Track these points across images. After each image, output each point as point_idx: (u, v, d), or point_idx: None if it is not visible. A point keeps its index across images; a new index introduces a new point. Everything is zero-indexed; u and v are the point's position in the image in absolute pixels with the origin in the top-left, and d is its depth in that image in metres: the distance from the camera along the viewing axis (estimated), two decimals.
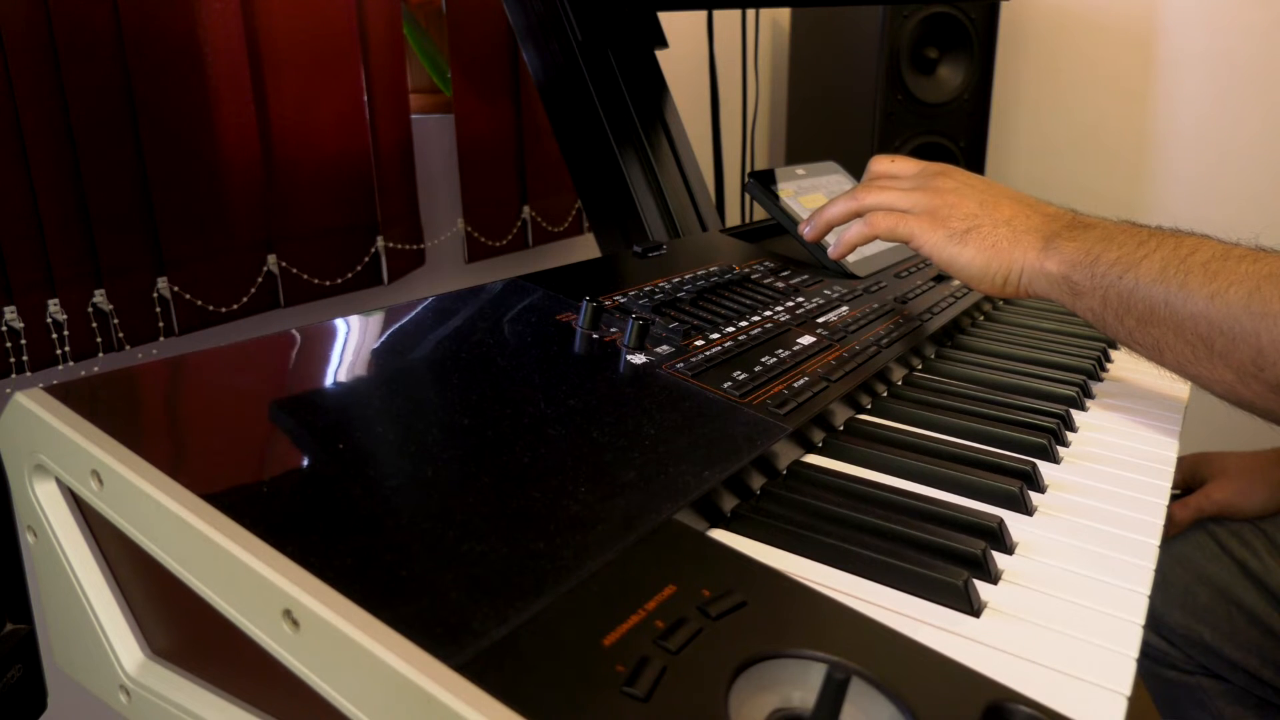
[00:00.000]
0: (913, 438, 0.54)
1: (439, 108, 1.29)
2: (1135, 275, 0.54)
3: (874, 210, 0.69)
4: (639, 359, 0.53)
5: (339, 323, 0.52)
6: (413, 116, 1.17)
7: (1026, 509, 0.47)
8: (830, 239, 0.76)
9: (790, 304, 0.67)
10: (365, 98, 1.06)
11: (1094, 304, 0.57)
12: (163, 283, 0.90)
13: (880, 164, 0.74)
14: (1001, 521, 0.44)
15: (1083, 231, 0.59)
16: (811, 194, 0.88)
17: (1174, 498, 0.88)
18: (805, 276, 0.75)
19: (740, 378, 0.53)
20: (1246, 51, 1.64)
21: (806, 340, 0.61)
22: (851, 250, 0.73)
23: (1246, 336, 0.49)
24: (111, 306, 0.86)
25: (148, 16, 0.85)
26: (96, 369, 0.86)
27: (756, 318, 0.63)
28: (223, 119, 0.92)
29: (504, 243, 1.31)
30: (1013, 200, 0.65)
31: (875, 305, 0.72)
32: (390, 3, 1.10)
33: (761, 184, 0.84)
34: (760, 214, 0.90)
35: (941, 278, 0.84)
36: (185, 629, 0.40)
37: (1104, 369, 0.73)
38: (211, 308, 0.94)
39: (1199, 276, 0.51)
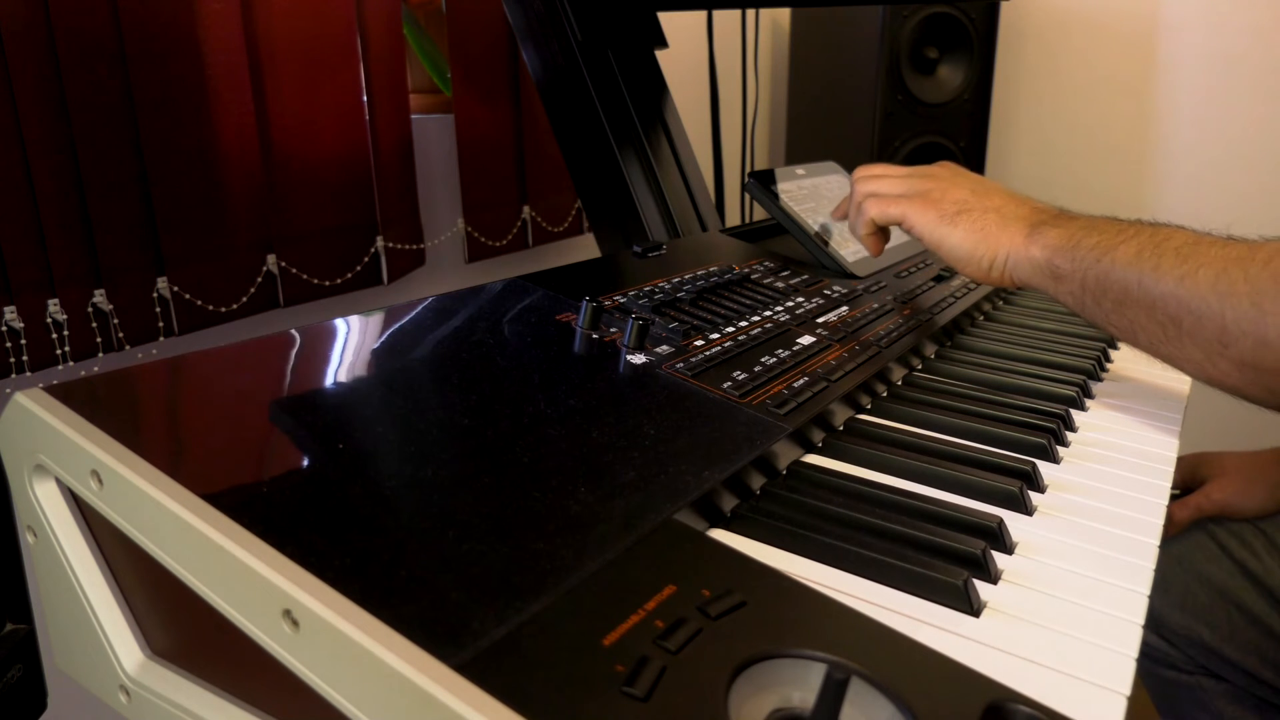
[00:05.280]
0: (913, 438, 0.54)
1: (439, 108, 1.29)
2: (1112, 259, 0.56)
3: (867, 198, 0.70)
4: (639, 359, 0.53)
5: (339, 323, 0.52)
6: (413, 116, 1.17)
7: (1026, 509, 0.47)
8: (847, 248, 0.79)
9: (790, 304, 0.67)
10: (365, 98, 1.06)
11: (1074, 287, 0.59)
12: (163, 283, 0.90)
13: (868, 168, 0.75)
14: (1001, 521, 0.44)
15: (1067, 221, 0.61)
16: (811, 194, 0.88)
17: (1174, 498, 0.88)
18: (805, 276, 0.75)
19: (740, 378, 0.53)
20: (1246, 51, 1.64)
21: (806, 340, 0.61)
22: (883, 245, 0.74)
23: (1212, 315, 0.51)
24: (111, 306, 0.86)
25: (148, 17, 0.85)
26: (96, 369, 0.86)
27: (756, 318, 0.63)
28: (222, 119, 0.92)
29: (504, 243, 1.31)
30: (1002, 192, 0.67)
31: (875, 305, 0.72)
32: (390, 3, 1.10)
33: (761, 184, 0.84)
34: (760, 214, 0.90)
35: (941, 278, 0.84)
36: (185, 629, 0.39)
37: (1104, 369, 0.73)
38: (211, 308, 0.94)
39: (1171, 259, 0.53)
